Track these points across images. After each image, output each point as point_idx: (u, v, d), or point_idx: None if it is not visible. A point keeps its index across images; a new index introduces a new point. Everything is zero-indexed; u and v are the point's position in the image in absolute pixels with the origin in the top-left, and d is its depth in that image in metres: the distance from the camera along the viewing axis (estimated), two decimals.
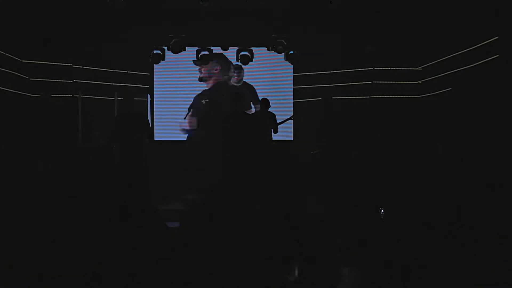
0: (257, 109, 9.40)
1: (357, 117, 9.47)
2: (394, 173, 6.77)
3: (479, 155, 7.66)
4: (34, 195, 5.83)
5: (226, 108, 8.83)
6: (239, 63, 10.20)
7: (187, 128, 10.27)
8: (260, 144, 8.36)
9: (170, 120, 10.49)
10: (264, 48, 10.35)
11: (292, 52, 10.09)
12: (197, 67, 10.45)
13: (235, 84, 10.50)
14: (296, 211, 5.97)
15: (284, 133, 9.79)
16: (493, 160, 7.64)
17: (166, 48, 9.98)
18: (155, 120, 10.41)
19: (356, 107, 9.79)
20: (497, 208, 5.63)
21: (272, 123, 8.87)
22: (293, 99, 10.62)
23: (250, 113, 8.86)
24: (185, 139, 10.18)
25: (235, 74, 10.55)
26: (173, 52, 9.92)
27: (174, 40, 9.68)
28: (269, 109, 9.30)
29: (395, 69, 10.24)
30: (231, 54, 10.44)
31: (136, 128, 7.41)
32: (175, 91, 10.67)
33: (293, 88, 10.67)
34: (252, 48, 10.16)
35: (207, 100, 9.30)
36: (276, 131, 8.91)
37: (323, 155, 8.13)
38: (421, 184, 7.02)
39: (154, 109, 10.40)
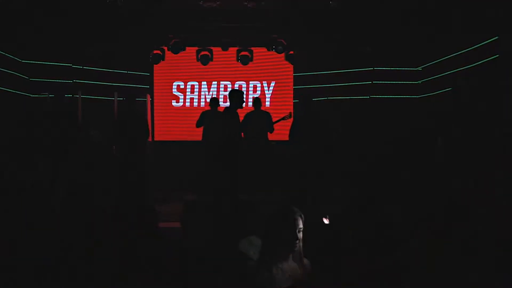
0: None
1: (357, 117, 9.47)
2: (393, 173, 6.77)
3: (480, 154, 7.65)
4: (34, 195, 5.82)
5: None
6: None
7: None
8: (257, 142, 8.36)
9: (170, 120, 10.49)
10: (264, 48, 10.35)
11: (292, 52, 10.09)
12: (197, 67, 10.44)
13: None
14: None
15: (283, 133, 9.77)
16: (494, 159, 7.64)
17: (166, 48, 9.97)
18: (155, 120, 10.41)
19: (356, 107, 9.79)
20: (499, 207, 5.62)
21: (267, 122, 8.87)
22: (293, 99, 10.62)
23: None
24: None
25: None
26: (173, 52, 9.92)
27: (174, 40, 9.68)
28: (268, 109, 9.34)
29: (395, 69, 10.25)
30: (231, 54, 10.44)
31: (136, 129, 7.47)
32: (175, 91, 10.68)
33: (293, 88, 10.67)
34: (252, 48, 10.16)
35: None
36: (271, 131, 8.91)
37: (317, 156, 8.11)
38: (421, 184, 7.01)
39: (154, 109, 10.40)
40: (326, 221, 5.91)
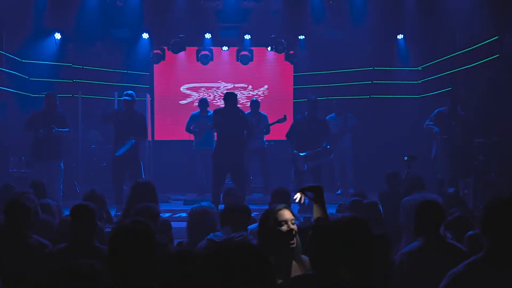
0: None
1: (357, 116, 9.47)
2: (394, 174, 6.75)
3: (481, 155, 7.64)
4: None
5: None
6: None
7: None
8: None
9: (169, 120, 10.48)
10: (264, 48, 10.33)
11: (292, 52, 10.08)
12: (197, 67, 10.42)
13: None
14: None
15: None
16: (493, 160, 7.63)
17: (166, 48, 9.94)
18: (155, 119, 10.40)
19: (356, 107, 9.77)
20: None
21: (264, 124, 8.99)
22: (293, 99, 10.61)
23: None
24: None
25: None
26: (173, 52, 9.91)
27: (174, 40, 9.66)
28: (269, 109, 9.36)
29: (395, 69, 10.23)
30: (231, 54, 10.43)
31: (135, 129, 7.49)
32: (175, 91, 10.67)
33: (293, 88, 10.66)
34: (252, 48, 10.14)
35: None
36: (267, 132, 8.99)
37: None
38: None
39: (154, 109, 10.38)
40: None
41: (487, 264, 2.40)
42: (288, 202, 4.21)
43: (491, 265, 2.38)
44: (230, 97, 7.26)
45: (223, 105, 7.41)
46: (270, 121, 9.09)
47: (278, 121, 8.95)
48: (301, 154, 7.82)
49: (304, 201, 3.23)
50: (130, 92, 7.70)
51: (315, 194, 3.11)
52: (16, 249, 3.41)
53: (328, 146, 8.07)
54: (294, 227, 2.80)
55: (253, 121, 8.71)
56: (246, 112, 8.92)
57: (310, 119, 8.10)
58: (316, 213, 3.09)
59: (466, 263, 2.48)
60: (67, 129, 7.69)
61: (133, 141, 7.37)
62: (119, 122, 7.58)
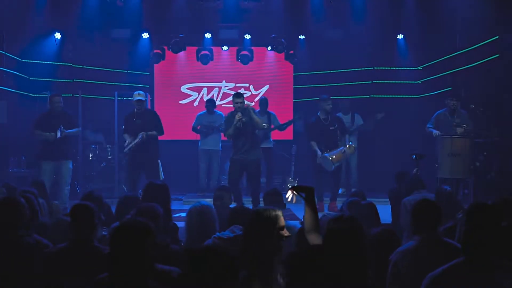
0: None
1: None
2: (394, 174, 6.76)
3: (481, 155, 7.65)
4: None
5: None
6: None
7: None
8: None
9: (169, 120, 10.47)
10: (264, 48, 10.33)
11: (292, 51, 10.08)
12: (197, 67, 10.42)
13: None
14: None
15: (285, 132, 9.78)
16: (493, 160, 7.64)
17: (166, 47, 9.95)
18: None
19: (356, 106, 9.77)
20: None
21: (273, 122, 9.00)
22: (293, 99, 10.61)
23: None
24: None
25: None
26: (173, 51, 9.91)
27: (174, 39, 9.67)
28: (269, 109, 9.36)
29: (395, 69, 10.23)
30: (231, 54, 10.43)
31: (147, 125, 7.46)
32: (175, 91, 10.67)
33: (293, 88, 10.66)
34: (252, 48, 10.14)
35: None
36: (281, 129, 9.04)
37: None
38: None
39: (154, 109, 10.38)
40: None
41: (466, 268, 2.44)
42: (282, 203, 4.28)
43: (470, 269, 2.42)
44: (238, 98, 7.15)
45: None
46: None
47: (290, 122, 9.02)
48: (326, 155, 7.61)
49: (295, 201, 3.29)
50: (141, 92, 7.69)
51: (306, 195, 3.14)
52: (11, 249, 3.40)
53: (351, 143, 8.02)
54: (286, 232, 2.88)
55: (265, 120, 8.71)
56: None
57: (326, 118, 7.94)
58: (307, 213, 3.13)
59: (445, 266, 2.51)
60: (75, 129, 7.71)
61: (141, 135, 7.34)
62: (132, 123, 7.59)
